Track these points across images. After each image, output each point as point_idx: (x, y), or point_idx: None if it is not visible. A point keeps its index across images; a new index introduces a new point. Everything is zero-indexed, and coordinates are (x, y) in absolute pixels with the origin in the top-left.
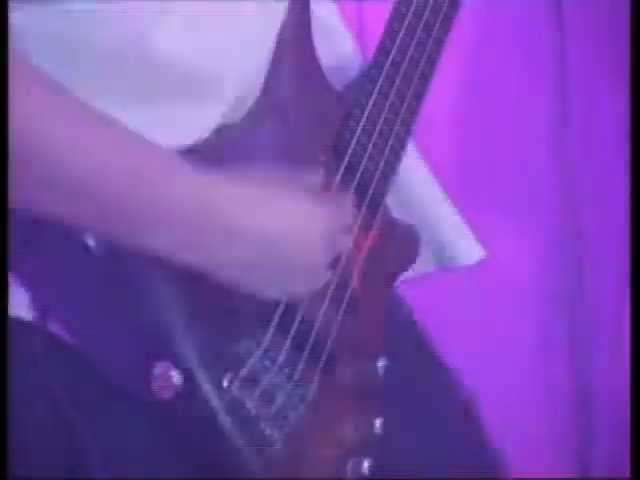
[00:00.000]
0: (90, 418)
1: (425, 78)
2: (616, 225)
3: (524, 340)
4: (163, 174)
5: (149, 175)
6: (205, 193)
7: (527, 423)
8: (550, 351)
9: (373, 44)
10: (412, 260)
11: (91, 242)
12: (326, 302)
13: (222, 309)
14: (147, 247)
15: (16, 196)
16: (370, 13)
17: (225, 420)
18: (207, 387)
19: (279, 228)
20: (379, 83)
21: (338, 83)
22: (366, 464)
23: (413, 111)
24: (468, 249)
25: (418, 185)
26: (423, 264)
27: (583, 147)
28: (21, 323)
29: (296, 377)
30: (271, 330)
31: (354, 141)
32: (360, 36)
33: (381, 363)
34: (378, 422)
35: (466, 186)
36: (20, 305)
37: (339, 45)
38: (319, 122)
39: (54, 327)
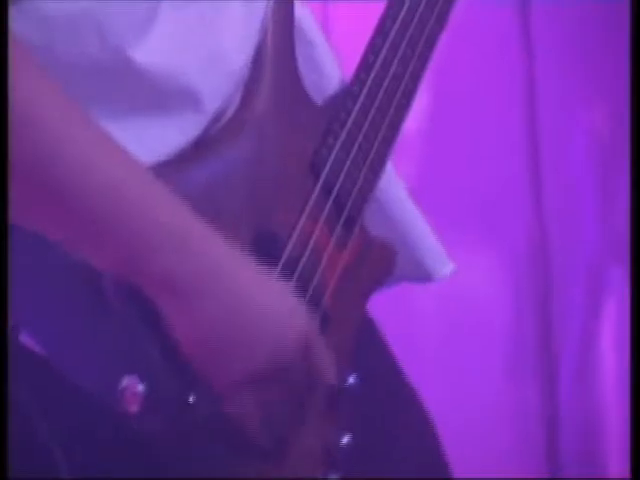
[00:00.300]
0: (57, 429)
1: (408, 95)
2: (585, 248)
3: (493, 362)
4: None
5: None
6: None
7: (495, 444)
8: (519, 373)
9: (338, 44)
10: (387, 277)
11: (67, 254)
12: None
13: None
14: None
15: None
16: (335, 13)
17: (190, 436)
18: (173, 402)
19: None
20: (360, 99)
21: (318, 97)
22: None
23: (394, 129)
24: (440, 265)
25: (393, 200)
26: (395, 277)
27: (553, 167)
28: None
29: None
30: None
31: (332, 157)
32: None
33: (351, 380)
34: (346, 438)
35: (433, 207)
36: None
37: (318, 58)
38: (298, 137)
39: (24, 339)
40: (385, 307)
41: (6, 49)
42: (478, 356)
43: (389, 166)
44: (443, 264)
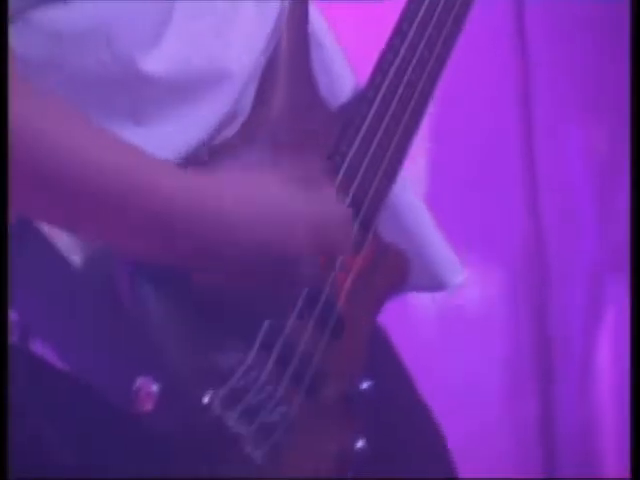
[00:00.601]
0: (70, 437)
1: (423, 100)
2: (584, 257)
3: (491, 372)
4: (156, 173)
5: (142, 175)
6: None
7: (493, 454)
8: (517, 383)
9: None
10: (402, 285)
11: (75, 257)
12: (311, 322)
13: (206, 325)
14: (136, 248)
15: (15, 199)
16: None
17: (204, 437)
18: (187, 403)
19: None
20: (375, 105)
21: (330, 100)
22: None
23: (408, 134)
24: (454, 273)
25: (407, 207)
26: (409, 286)
27: (550, 177)
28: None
29: (278, 396)
30: (255, 348)
31: (346, 163)
32: None
33: (365, 384)
34: (360, 443)
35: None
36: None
37: (329, 60)
38: (312, 142)
39: (35, 346)
40: (384, 322)
41: (6, 51)
42: (478, 364)
43: (402, 172)
44: (456, 272)
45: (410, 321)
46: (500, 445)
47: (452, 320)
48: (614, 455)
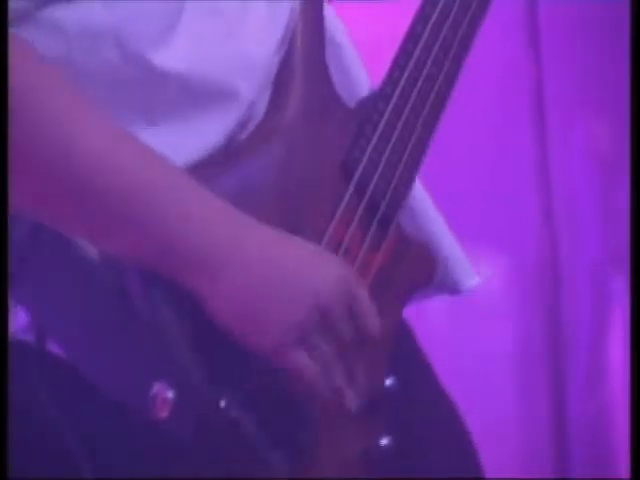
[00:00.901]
0: (87, 436)
1: (442, 96)
2: (588, 262)
3: (502, 371)
4: (166, 179)
5: (152, 177)
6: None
7: (503, 454)
8: (528, 383)
9: None
10: (429, 279)
11: (93, 257)
12: None
13: (222, 329)
14: (140, 255)
15: (16, 197)
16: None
17: (221, 441)
18: (203, 407)
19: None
20: (393, 100)
21: (349, 100)
22: None
23: (429, 129)
24: (468, 276)
25: (422, 209)
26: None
27: (559, 175)
28: (18, 344)
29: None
30: None
31: (365, 159)
32: None
33: (388, 382)
34: (384, 441)
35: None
36: (18, 326)
37: (345, 59)
38: (329, 140)
39: (52, 346)
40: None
41: (6, 48)
42: (488, 363)
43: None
44: (470, 276)
45: (420, 320)
46: (511, 445)
47: (462, 319)
48: (626, 455)
